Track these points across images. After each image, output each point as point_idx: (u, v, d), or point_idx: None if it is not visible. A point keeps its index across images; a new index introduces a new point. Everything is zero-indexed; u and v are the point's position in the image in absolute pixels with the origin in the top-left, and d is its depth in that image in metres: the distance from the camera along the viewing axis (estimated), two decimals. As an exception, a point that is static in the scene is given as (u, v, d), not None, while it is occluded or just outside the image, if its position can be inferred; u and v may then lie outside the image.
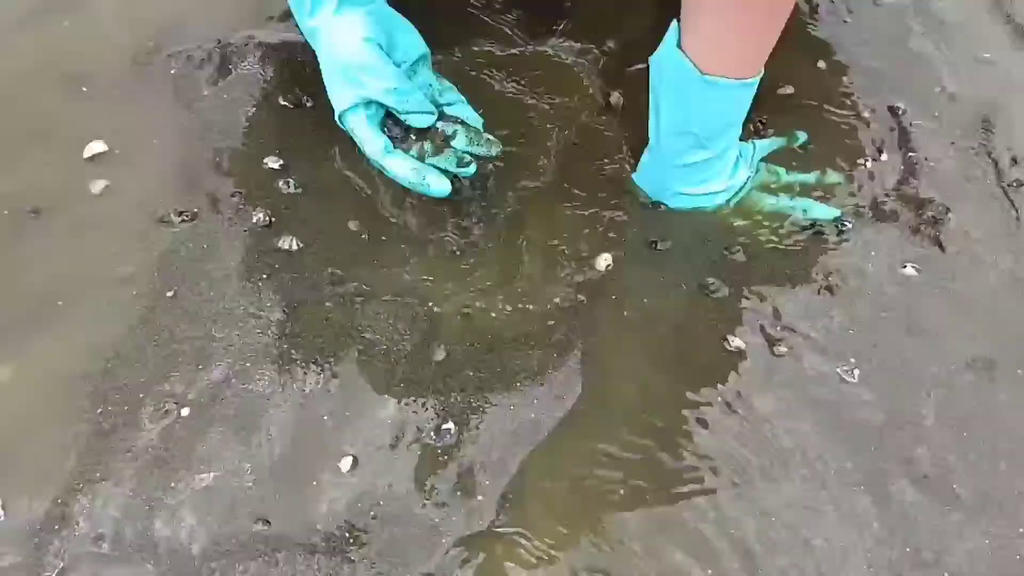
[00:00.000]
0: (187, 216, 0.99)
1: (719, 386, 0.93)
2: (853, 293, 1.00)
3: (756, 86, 0.94)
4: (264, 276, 0.95)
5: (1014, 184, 1.09)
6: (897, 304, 1.00)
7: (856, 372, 0.95)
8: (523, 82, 1.12)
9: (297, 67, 1.12)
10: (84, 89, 1.08)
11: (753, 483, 0.86)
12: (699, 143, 0.96)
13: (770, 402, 0.92)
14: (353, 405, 0.88)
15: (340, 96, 0.95)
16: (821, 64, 1.20)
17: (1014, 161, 1.11)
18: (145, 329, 0.92)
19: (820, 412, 0.92)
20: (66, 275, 0.95)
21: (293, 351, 0.91)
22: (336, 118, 0.95)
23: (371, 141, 0.95)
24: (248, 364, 0.90)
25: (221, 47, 1.12)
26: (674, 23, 0.91)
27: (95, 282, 0.94)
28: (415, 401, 0.89)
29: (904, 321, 0.98)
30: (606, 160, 1.09)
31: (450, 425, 0.88)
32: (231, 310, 0.93)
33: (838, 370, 0.95)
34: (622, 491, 0.86)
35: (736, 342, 0.96)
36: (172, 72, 1.10)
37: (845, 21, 1.25)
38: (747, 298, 0.99)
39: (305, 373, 0.90)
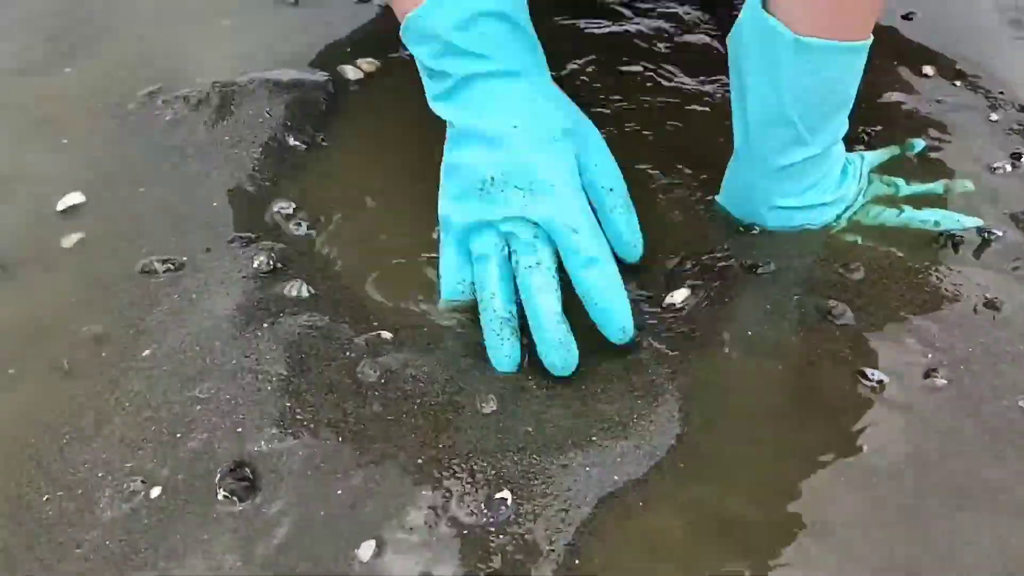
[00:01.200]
0: (173, 265, 0.81)
1: (861, 430, 0.69)
2: (1021, 312, 0.77)
3: (866, 54, 0.75)
4: (264, 325, 0.75)
5: None
6: (1082, 320, 0.76)
7: (1046, 405, 0.70)
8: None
9: (309, 105, 0.97)
10: (64, 141, 0.93)
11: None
12: (798, 136, 0.77)
13: (934, 449, 0.68)
14: (376, 474, 0.66)
15: None
16: (927, 70, 1.01)
17: None
18: (113, 395, 0.71)
19: (1008, 459, 0.67)
20: (21, 339, 0.76)
21: (299, 411, 0.70)
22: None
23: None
24: (240, 429, 0.69)
25: (222, 87, 0.96)
26: (754, -17, 0.74)
27: (57, 345, 0.75)
28: (458, 466, 0.67)
29: (1096, 340, 0.75)
30: (677, 181, 0.89)
31: (505, 494, 0.65)
32: (220, 365, 0.73)
33: (1022, 404, 0.70)
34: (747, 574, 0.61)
35: (877, 375, 0.72)
36: (166, 118, 0.94)
37: (943, 23, 1.06)
38: (880, 323, 0.76)
39: (314, 437, 0.68)
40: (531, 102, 0.75)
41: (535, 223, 0.72)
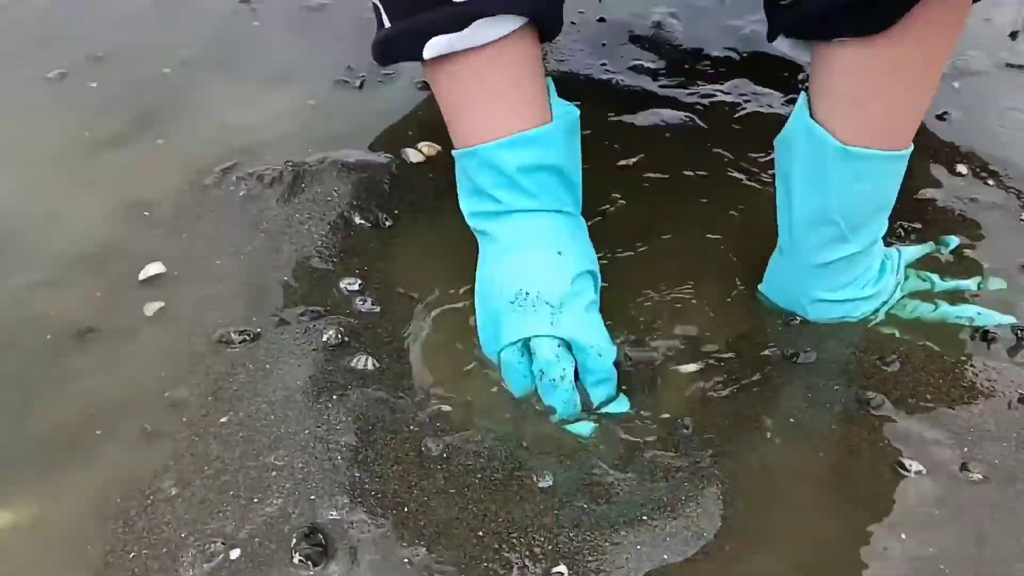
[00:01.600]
0: (248, 336, 0.86)
1: (900, 519, 0.73)
2: (1052, 407, 0.81)
3: (907, 160, 0.80)
4: (334, 397, 0.80)
5: None
6: (1112, 418, 0.80)
7: (1077, 500, 0.74)
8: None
9: (374, 186, 1.03)
10: (146, 213, 0.99)
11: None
12: (841, 235, 0.82)
13: (969, 542, 0.71)
14: (440, 545, 0.70)
15: None
16: (961, 168, 1.06)
17: None
18: (193, 459, 0.76)
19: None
20: (107, 402, 0.81)
21: (367, 482, 0.74)
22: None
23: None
24: (313, 496, 0.73)
25: (294, 166, 1.02)
26: (802, 94, 0.79)
27: (139, 409, 0.80)
28: (518, 539, 0.71)
29: (1125, 438, 0.78)
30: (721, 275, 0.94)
31: (562, 568, 0.69)
32: (294, 434, 0.77)
33: (1053, 498, 0.74)
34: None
35: (915, 466, 0.76)
36: (241, 194, 1.01)
37: (976, 124, 1.12)
38: (917, 415, 0.80)
39: (382, 507, 0.73)
40: (572, 237, 0.82)
41: (559, 338, 0.77)
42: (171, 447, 0.77)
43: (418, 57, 0.76)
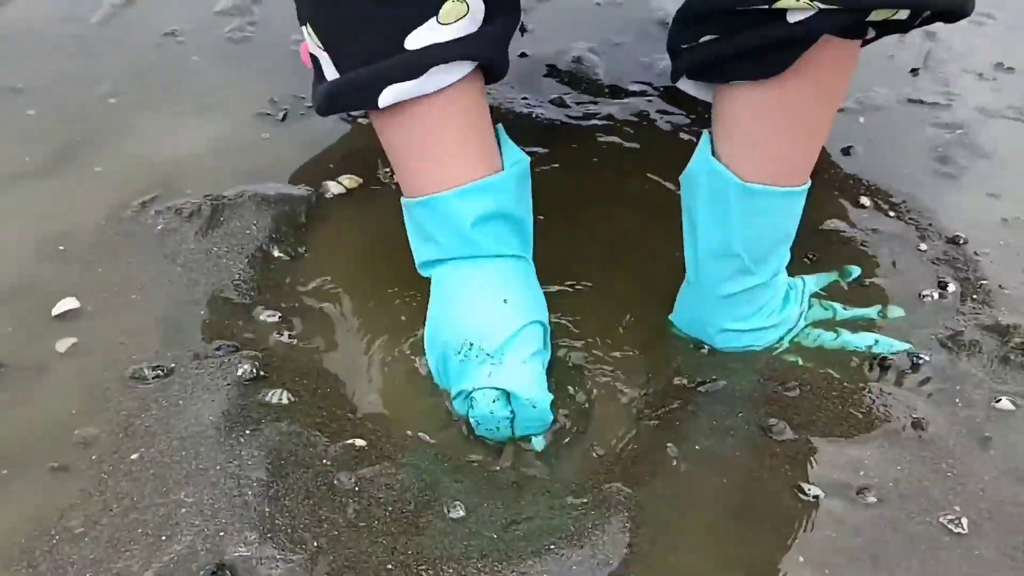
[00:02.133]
0: (162, 371, 0.86)
1: (799, 543, 0.76)
2: (944, 432, 0.85)
3: (805, 196, 0.83)
4: (247, 432, 0.81)
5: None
6: (998, 443, 0.84)
7: (964, 521, 0.77)
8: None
9: (294, 219, 1.03)
10: (61, 248, 0.98)
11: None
12: (744, 267, 0.85)
13: (866, 562, 0.74)
14: (349, 578, 0.71)
15: None
16: (864, 200, 1.10)
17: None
18: (102, 497, 0.76)
19: (931, 572, 0.73)
20: (15, 440, 0.81)
21: (277, 517, 0.75)
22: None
23: None
24: (222, 533, 0.73)
25: (212, 200, 1.03)
26: (705, 133, 0.82)
27: (49, 447, 0.80)
28: (426, 572, 0.72)
29: (1010, 462, 0.82)
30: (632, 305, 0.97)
31: (470, 600, 0.70)
32: (204, 470, 0.78)
33: (942, 520, 0.77)
34: None
35: (813, 490, 0.79)
36: (158, 228, 1.01)
37: (878, 157, 1.16)
38: (817, 440, 0.83)
39: (291, 542, 0.73)
40: (520, 284, 0.82)
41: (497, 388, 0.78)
42: (79, 485, 0.77)
43: (372, 106, 0.76)
